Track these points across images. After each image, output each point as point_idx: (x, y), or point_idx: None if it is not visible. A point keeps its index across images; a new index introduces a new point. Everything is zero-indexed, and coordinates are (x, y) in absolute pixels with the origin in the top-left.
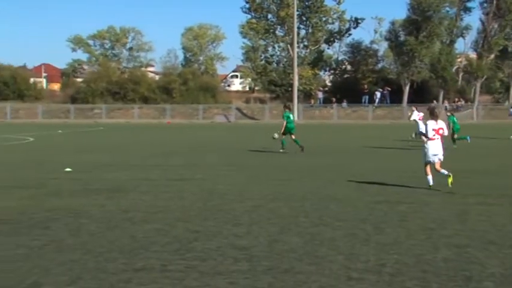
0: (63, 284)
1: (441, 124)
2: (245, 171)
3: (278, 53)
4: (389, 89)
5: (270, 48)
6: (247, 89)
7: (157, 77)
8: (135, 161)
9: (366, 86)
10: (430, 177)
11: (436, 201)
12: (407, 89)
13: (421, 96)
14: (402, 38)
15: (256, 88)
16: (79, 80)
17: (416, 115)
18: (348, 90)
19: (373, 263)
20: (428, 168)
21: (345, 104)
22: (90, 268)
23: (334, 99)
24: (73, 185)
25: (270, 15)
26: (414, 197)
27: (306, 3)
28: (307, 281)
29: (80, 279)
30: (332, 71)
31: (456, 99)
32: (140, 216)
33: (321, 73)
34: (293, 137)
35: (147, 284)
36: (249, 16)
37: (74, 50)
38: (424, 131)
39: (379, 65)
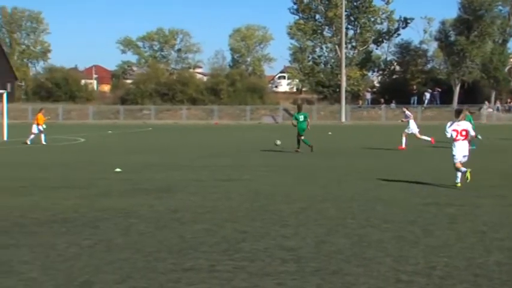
0: (113, 283)
1: (464, 125)
2: (292, 172)
3: (326, 53)
4: (439, 89)
5: (317, 49)
6: (294, 90)
7: (205, 78)
8: (183, 161)
9: (414, 87)
10: (460, 173)
11: (487, 204)
12: (457, 89)
13: (472, 97)
14: (453, 37)
15: (304, 89)
16: (128, 81)
17: (409, 116)
18: (396, 91)
19: (423, 266)
20: (459, 165)
21: (393, 105)
22: (139, 267)
23: (382, 100)
24: (123, 185)
25: (317, 16)
26: (464, 199)
27: (355, 3)
28: (355, 283)
29: (129, 278)
30: (380, 72)
31: (509, 100)
32: (189, 216)
33: (369, 74)
34: (302, 137)
35: (195, 284)
36: (297, 17)
37: (123, 51)
38: (415, 130)
39: (429, 66)
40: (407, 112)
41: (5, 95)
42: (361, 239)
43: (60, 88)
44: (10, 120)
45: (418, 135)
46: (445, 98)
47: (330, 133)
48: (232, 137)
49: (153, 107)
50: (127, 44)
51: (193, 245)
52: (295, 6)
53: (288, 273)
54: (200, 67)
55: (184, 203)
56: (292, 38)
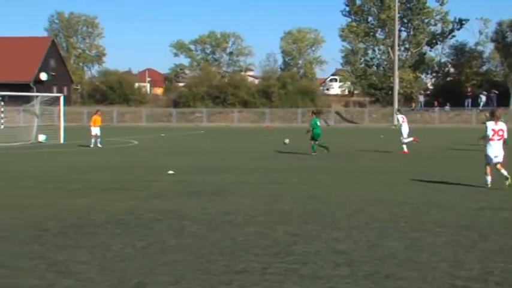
0: (167, 284)
1: (502, 126)
2: (344, 175)
3: (378, 56)
4: (496, 92)
5: (370, 51)
6: (346, 92)
7: (256, 81)
8: (235, 164)
9: (469, 89)
10: (489, 178)
11: None
12: None
13: None
14: (510, 38)
15: (356, 92)
16: (181, 84)
17: (401, 118)
18: (450, 93)
19: (478, 271)
20: (488, 169)
21: (447, 107)
22: (192, 269)
23: (436, 103)
24: (175, 188)
25: (370, 18)
26: None
27: (408, 5)
28: None
29: (183, 279)
30: (434, 74)
31: None
32: (240, 219)
33: (423, 76)
34: (316, 142)
35: (247, 287)
36: (349, 19)
37: (176, 55)
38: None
39: (484, 68)
40: (400, 116)
41: (61, 99)
42: (414, 243)
43: (115, 91)
44: (66, 123)
45: (404, 139)
46: (502, 100)
47: (382, 136)
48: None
49: (205, 110)
50: (179, 47)
51: (245, 247)
52: (347, 9)
53: (340, 276)
54: (252, 70)
55: (236, 206)
56: (344, 40)
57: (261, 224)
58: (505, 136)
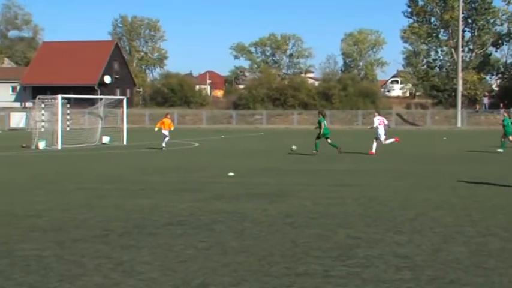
0: (228, 285)
1: None
2: (407, 178)
3: (441, 57)
4: None
5: (432, 53)
6: (407, 94)
7: (316, 83)
8: (295, 165)
9: None
10: None
11: None
12: None
13: None
14: None
15: (418, 93)
16: (241, 86)
17: (377, 120)
18: None
19: None
20: None
21: None
22: (253, 271)
23: (502, 105)
24: (236, 189)
25: (433, 19)
26: None
27: (472, 5)
28: None
29: (244, 281)
30: (500, 75)
31: None
32: (301, 221)
33: (487, 77)
34: (329, 141)
35: None
36: (411, 20)
37: (236, 57)
38: (382, 136)
39: None
40: (380, 118)
41: (124, 101)
42: (480, 248)
43: (176, 94)
44: (129, 124)
45: (375, 141)
46: None
47: (444, 138)
48: (344, 142)
49: (265, 112)
50: (240, 49)
51: (306, 249)
52: (409, 10)
53: (403, 281)
54: (312, 72)
55: (297, 208)
56: (406, 41)
57: (322, 226)
58: None
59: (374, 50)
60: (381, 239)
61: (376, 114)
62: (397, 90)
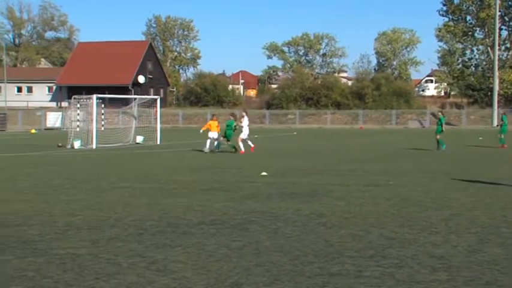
0: (262, 285)
1: None
2: (441, 177)
3: (477, 56)
4: None
5: (468, 52)
6: (442, 93)
7: (349, 83)
8: (328, 166)
9: None
10: None
11: None
12: None
13: None
14: None
15: (453, 93)
16: (274, 86)
17: (247, 121)
18: None
19: None
20: None
21: None
22: (287, 270)
23: None
24: (269, 189)
25: (468, 17)
26: None
27: (509, 2)
28: None
29: (277, 280)
30: None
31: None
32: (334, 221)
33: None
34: (229, 142)
35: None
36: (446, 19)
37: (269, 57)
38: (244, 136)
39: None
40: (246, 117)
41: (158, 101)
42: None
43: (209, 93)
44: (162, 124)
45: (240, 139)
46: None
47: (480, 138)
48: (378, 142)
49: (298, 112)
50: (273, 49)
51: (339, 249)
52: (444, 8)
53: (438, 281)
54: (345, 71)
55: (330, 208)
56: (440, 40)
57: (355, 226)
58: None
59: (408, 49)
60: (415, 240)
61: (244, 114)
62: (431, 90)
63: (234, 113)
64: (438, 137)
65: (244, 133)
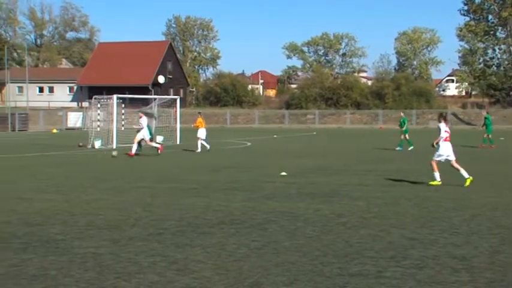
0: (281, 285)
1: (448, 129)
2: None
3: (498, 55)
4: None
5: (489, 51)
6: (463, 93)
7: (369, 82)
8: (347, 166)
9: None
10: (437, 173)
11: None
12: None
13: None
14: None
15: (474, 93)
16: (293, 86)
17: (145, 121)
18: None
19: None
20: (435, 165)
21: None
22: (306, 270)
23: None
24: (288, 189)
25: (490, 16)
26: None
27: None
28: None
29: (297, 280)
30: None
31: None
32: (354, 221)
33: None
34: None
35: None
36: (468, 18)
37: (289, 57)
38: (147, 137)
39: None
40: (143, 118)
41: (178, 101)
42: None
43: (228, 93)
44: (182, 124)
45: (140, 139)
46: None
47: (502, 138)
48: (397, 142)
49: (317, 112)
50: (292, 49)
51: (359, 250)
52: (465, 7)
53: (459, 282)
54: (365, 71)
55: (350, 208)
56: (461, 40)
57: (375, 226)
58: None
59: (429, 48)
60: (436, 240)
61: (141, 115)
62: (452, 90)
63: (147, 112)
64: (402, 137)
65: (142, 133)
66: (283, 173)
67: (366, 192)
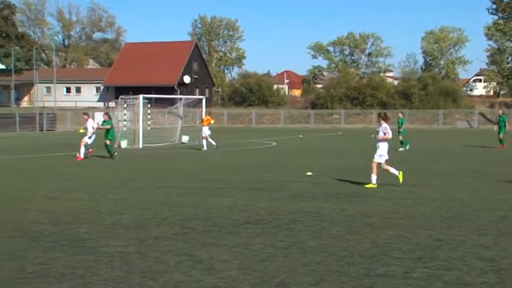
0: (308, 285)
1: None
2: (488, 179)
3: None
4: None
5: None
6: (491, 93)
7: (396, 82)
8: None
9: None
10: (375, 176)
11: None
12: None
13: None
14: None
15: (502, 92)
16: (319, 86)
17: (92, 123)
18: None
19: None
20: (375, 167)
21: None
22: (332, 271)
23: None
24: (314, 188)
25: None
26: None
27: None
28: None
29: (323, 281)
30: None
31: None
32: (380, 221)
33: None
34: (108, 142)
35: None
36: (496, 17)
37: (314, 56)
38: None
39: None
40: (89, 122)
41: (203, 101)
42: None
43: (254, 93)
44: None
45: (83, 140)
46: None
47: None
48: (425, 142)
49: (343, 111)
50: (318, 49)
51: (386, 250)
52: (494, 6)
53: (487, 284)
54: (391, 71)
55: (376, 208)
56: (490, 39)
57: (402, 227)
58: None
59: (456, 48)
60: (463, 241)
61: (86, 117)
62: (479, 89)
63: (107, 112)
64: (401, 138)
65: (89, 135)
66: (309, 173)
67: (392, 192)
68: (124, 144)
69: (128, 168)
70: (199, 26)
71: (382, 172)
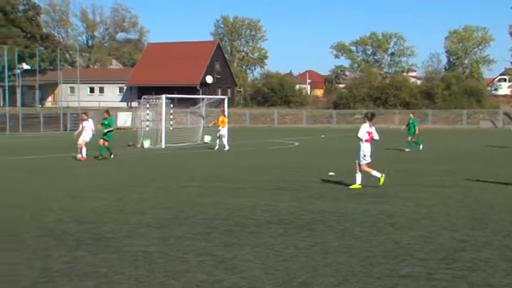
0: (330, 285)
1: (373, 129)
2: (510, 179)
3: None
4: None
5: None
6: None
7: (419, 82)
8: (397, 166)
9: None
10: (359, 175)
11: None
12: None
13: None
14: None
15: None
16: (341, 85)
17: (91, 125)
18: None
19: None
20: (366, 168)
21: None
22: (356, 271)
23: None
24: (336, 189)
25: None
26: None
27: None
28: None
29: (346, 281)
30: None
31: None
32: (403, 222)
33: None
34: (106, 144)
35: None
36: None
37: (336, 56)
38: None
39: None
40: (89, 122)
41: (226, 101)
42: None
43: (276, 93)
44: (230, 124)
45: (83, 140)
46: None
47: None
48: (448, 142)
49: (366, 112)
50: (340, 48)
51: (409, 251)
52: None
53: None
54: (414, 71)
55: (399, 208)
56: None
57: (425, 228)
58: (376, 137)
59: (480, 47)
60: (488, 243)
61: (84, 116)
62: (504, 89)
63: (108, 110)
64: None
65: (87, 136)
66: (331, 173)
67: (415, 192)
68: (147, 144)
69: (150, 168)
70: (222, 26)
71: (404, 173)
